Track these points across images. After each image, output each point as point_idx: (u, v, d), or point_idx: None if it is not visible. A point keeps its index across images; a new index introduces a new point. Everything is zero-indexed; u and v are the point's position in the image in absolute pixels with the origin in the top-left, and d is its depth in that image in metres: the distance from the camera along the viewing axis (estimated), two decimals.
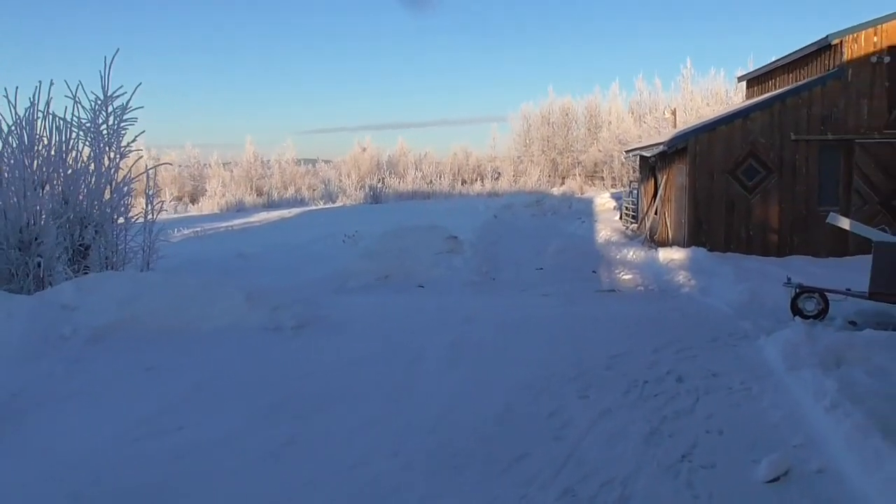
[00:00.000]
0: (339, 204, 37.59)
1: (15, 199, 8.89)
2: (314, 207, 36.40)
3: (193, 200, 44.18)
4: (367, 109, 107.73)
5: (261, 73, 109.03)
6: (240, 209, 38.23)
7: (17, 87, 9.64)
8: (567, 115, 49.02)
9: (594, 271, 12.97)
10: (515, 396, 5.49)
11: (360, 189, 39.87)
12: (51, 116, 9.64)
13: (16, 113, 9.39)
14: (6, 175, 9.09)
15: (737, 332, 7.43)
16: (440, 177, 44.64)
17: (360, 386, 5.99)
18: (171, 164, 11.28)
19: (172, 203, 41.61)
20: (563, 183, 43.43)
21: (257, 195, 43.39)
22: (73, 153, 10.00)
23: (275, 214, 32.28)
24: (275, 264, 15.34)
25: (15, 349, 7.24)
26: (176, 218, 34.18)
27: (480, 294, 11.01)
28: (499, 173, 47.10)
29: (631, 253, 14.35)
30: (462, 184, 45.53)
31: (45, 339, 7.61)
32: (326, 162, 55.85)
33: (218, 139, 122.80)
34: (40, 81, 9.76)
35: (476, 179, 47.03)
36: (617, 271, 12.78)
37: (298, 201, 40.76)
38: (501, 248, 17.17)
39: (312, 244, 19.22)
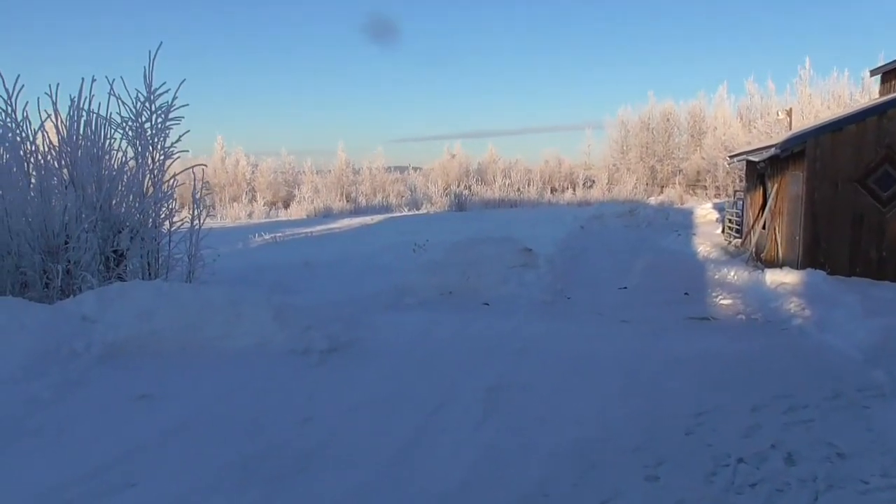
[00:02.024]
0: (422, 211, 36.82)
1: (39, 200, 8.26)
2: (397, 214, 35.77)
3: (286, 206, 44.77)
4: (460, 118, 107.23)
5: (359, 81, 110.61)
6: (326, 215, 38.15)
7: (58, 84, 9.13)
8: (668, 120, 46.42)
9: (686, 293, 11.27)
10: (555, 470, 4.12)
11: (445, 196, 38.96)
12: (85, 112, 9.02)
13: (52, 110, 8.84)
14: (33, 174, 8.50)
15: (868, 385, 5.72)
16: (529, 185, 43.12)
17: (365, 438, 4.79)
18: (205, 165, 10.67)
19: (265, 208, 42.24)
20: (661, 192, 41.03)
21: (346, 201, 43.42)
22: (112, 153, 9.36)
23: (357, 221, 31.82)
24: (337, 274, 14.45)
25: (15, 367, 6.47)
26: (264, 222, 34.42)
27: (548, 317, 9.60)
28: (592, 181, 45.09)
29: (732, 273, 12.51)
30: (552, 192, 43.86)
31: (53, 356, 6.84)
32: (416, 169, 55.50)
33: (313, 146, 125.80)
34: (83, 78, 9.20)
35: (567, 188, 45.21)
36: (714, 294, 11.03)
37: (384, 208, 40.35)
38: (583, 262, 15.61)
39: (383, 253, 18.30)
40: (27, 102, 8.84)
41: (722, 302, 10.41)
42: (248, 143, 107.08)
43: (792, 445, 4.40)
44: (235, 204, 42.33)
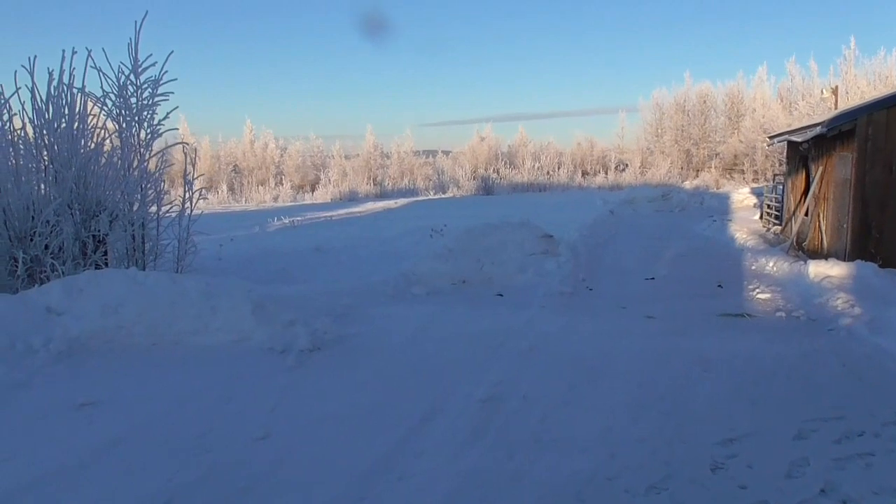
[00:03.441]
0: (448, 195, 35.94)
1: (5, 181, 7.59)
2: (422, 198, 34.97)
3: (313, 189, 44.25)
4: (492, 101, 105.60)
5: (390, 65, 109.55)
6: (351, 199, 37.51)
7: (35, 56, 8.44)
8: (705, 102, 44.69)
9: (720, 286, 10.25)
10: None
11: (472, 180, 38.01)
12: (66, 87, 8.32)
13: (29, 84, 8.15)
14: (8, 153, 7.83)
15: None
16: (559, 168, 41.92)
17: (324, 462, 4.01)
18: (187, 143, 9.96)
19: (291, 191, 41.73)
20: (696, 176, 39.57)
21: (373, 185, 42.73)
22: (93, 131, 8.66)
23: (380, 205, 31.09)
24: (347, 261, 13.70)
25: None
26: (287, 206, 33.87)
27: (565, 310, 8.70)
28: (625, 165, 43.71)
29: (771, 263, 11.44)
30: (583, 176, 42.63)
31: (6, 353, 6.19)
32: (446, 153, 54.52)
33: (342, 131, 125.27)
34: (63, 50, 8.49)
35: (598, 171, 43.92)
36: (751, 287, 9.99)
37: (410, 192, 39.57)
38: (609, 250, 14.60)
39: (400, 238, 17.51)
40: None
41: (759, 296, 9.39)
42: (278, 126, 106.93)
43: (848, 491, 3.48)
44: (261, 187, 41.88)
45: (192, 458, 4.14)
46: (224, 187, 41.45)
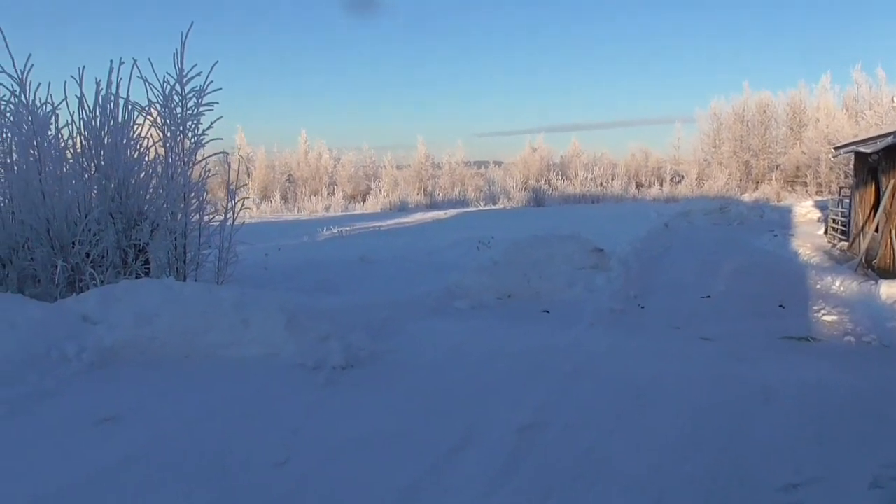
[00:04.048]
0: (499, 206, 35.57)
1: (49, 191, 7.59)
2: (472, 209, 34.70)
3: (364, 199, 44.51)
4: (544, 111, 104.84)
5: (443, 75, 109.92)
6: (401, 209, 37.51)
7: (83, 66, 8.48)
8: (765, 112, 43.34)
9: (782, 305, 9.64)
10: None
11: (523, 191, 37.59)
12: (113, 97, 8.32)
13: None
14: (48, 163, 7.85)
15: None
16: (612, 179, 41.14)
17: (343, 492, 3.73)
18: (226, 152, 9.96)
19: (343, 201, 42.03)
20: (756, 188, 38.32)
21: (423, 195, 42.71)
22: (138, 140, 8.64)
23: (430, 215, 30.94)
24: (391, 272, 13.51)
25: None
26: (338, 216, 34.05)
27: (614, 329, 8.27)
28: (681, 177, 42.64)
29: (837, 282, 10.74)
30: (637, 187, 41.74)
31: (39, 361, 6.12)
32: (498, 163, 54.19)
33: (395, 141, 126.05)
34: (111, 60, 8.52)
35: (653, 183, 42.94)
36: (815, 308, 9.36)
37: (460, 202, 39.38)
38: (663, 265, 14.04)
39: (447, 249, 17.27)
40: (49, 84, 8.19)
41: (825, 318, 8.77)
42: (332, 137, 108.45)
43: None
44: (313, 197, 42.30)
45: (206, 480, 3.91)
46: (277, 196, 42.00)
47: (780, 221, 22.79)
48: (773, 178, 39.97)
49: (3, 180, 7.79)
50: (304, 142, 52.55)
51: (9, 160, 7.63)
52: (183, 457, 4.26)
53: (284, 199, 43.03)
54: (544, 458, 4.15)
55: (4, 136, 7.79)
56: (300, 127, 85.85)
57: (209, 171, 9.52)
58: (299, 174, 49.94)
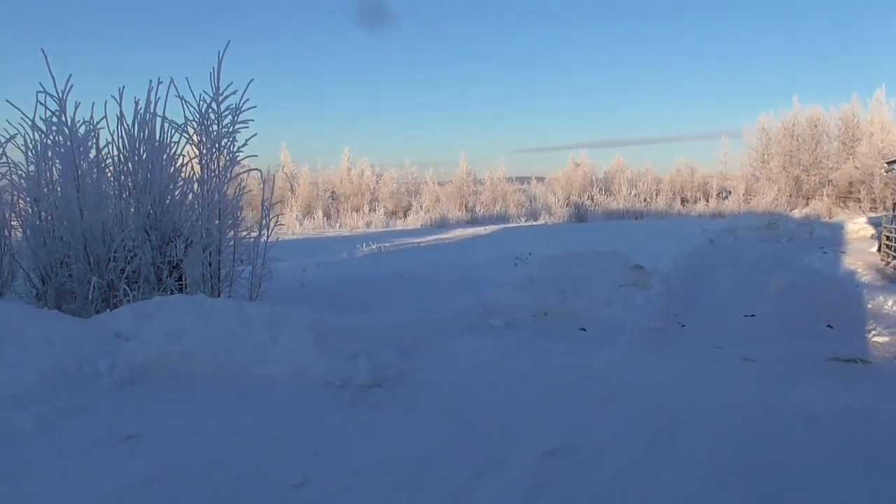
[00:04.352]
0: (540, 222, 35.31)
1: (86, 209, 7.71)
2: (512, 225, 34.51)
3: (405, 215, 44.73)
4: (588, 126, 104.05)
5: (486, 89, 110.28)
6: (441, 225, 37.54)
7: (122, 87, 8.65)
8: (816, 126, 42.22)
9: (829, 326, 9.23)
10: None
11: (565, 207, 37.26)
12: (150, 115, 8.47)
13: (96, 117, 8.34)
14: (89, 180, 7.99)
15: None
16: (657, 195, 40.51)
17: None
18: (258, 170, 9.94)
19: (384, 217, 42.28)
20: (806, 204, 37.31)
21: (465, 211, 42.70)
22: (175, 158, 8.76)
23: (470, 231, 30.88)
24: (426, 289, 13.40)
25: (21, 389, 5.85)
26: (378, 232, 34.25)
27: (652, 349, 8.01)
28: (727, 192, 41.77)
29: (890, 302, 10.26)
30: (682, 203, 41.01)
31: (71, 377, 6.17)
32: (540, 179, 53.93)
33: (436, 157, 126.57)
34: (150, 80, 8.69)
35: (699, 198, 42.15)
36: (867, 329, 8.93)
37: (500, 218, 39.23)
38: (706, 282, 13.66)
39: (485, 266, 17.10)
40: (93, 103, 8.38)
41: (876, 339, 8.36)
42: (375, 154, 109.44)
43: None
44: (355, 214, 42.64)
45: (222, 503, 3.84)
46: (320, 213, 42.45)
47: (831, 238, 22.05)
48: (825, 193, 38.87)
49: (47, 199, 7.94)
50: (346, 159, 53.14)
51: (51, 178, 7.79)
52: (202, 478, 4.21)
53: (327, 215, 43.47)
54: (568, 487, 3.98)
55: (48, 154, 7.97)
56: (343, 144, 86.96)
57: (244, 188, 9.59)
58: (342, 191, 50.47)
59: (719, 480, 4.02)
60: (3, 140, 7.98)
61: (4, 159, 8.09)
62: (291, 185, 49.41)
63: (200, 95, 8.91)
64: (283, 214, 37.37)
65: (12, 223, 7.99)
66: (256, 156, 9.55)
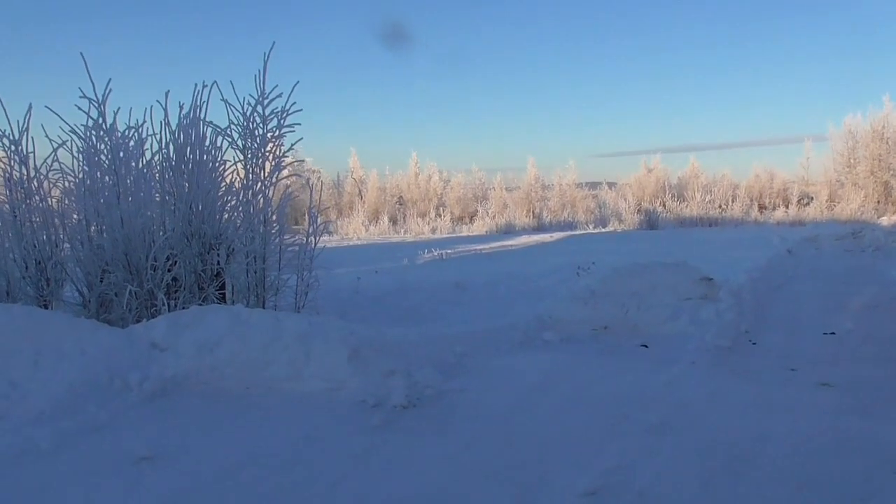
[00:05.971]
0: (608, 229, 34.31)
1: (126, 216, 7.64)
2: (580, 232, 33.64)
3: (472, 220, 44.30)
4: (662, 131, 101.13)
5: (557, 94, 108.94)
6: (507, 231, 36.94)
7: (167, 91, 8.60)
8: None
9: None
10: None
11: (635, 213, 36.11)
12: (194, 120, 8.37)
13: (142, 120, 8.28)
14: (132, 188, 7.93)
15: None
16: (733, 201, 38.82)
17: None
18: (299, 175, 9.58)
19: (450, 223, 41.98)
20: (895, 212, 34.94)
21: (532, 217, 41.95)
22: (219, 163, 8.64)
23: (536, 238, 30.19)
24: (483, 299, 12.95)
25: (48, 401, 5.74)
26: (442, 238, 33.95)
27: (718, 370, 7.33)
28: (809, 198, 39.68)
29: None
30: (760, 210, 39.16)
31: (101, 389, 6.04)
32: (611, 185, 52.56)
33: (505, 163, 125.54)
34: (195, 84, 8.59)
35: (778, 205, 40.19)
36: None
37: (567, 225, 38.34)
38: (782, 296, 12.70)
39: (547, 275, 16.49)
40: (130, 109, 8.35)
41: None
42: (443, 159, 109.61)
43: None
44: (420, 219, 42.48)
45: None
46: (385, 218, 42.51)
47: None
48: None
49: (93, 207, 7.91)
50: (414, 164, 53.12)
51: (93, 185, 7.75)
52: None
53: (393, 221, 43.49)
54: None
55: (96, 160, 7.95)
56: (411, 149, 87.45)
57: (291, 193, 9.39)
58: (409, 196, 50.44)
59: None
60: (54, 146, 8.01)
61: (56, 165, 8.13)
62: (360, 191, 49.75)
63: (245, 98, 8.76)
64: (349, 218, 37.58)
65: (60, 233, 7.99)
66: (304, 161, 9.34)
